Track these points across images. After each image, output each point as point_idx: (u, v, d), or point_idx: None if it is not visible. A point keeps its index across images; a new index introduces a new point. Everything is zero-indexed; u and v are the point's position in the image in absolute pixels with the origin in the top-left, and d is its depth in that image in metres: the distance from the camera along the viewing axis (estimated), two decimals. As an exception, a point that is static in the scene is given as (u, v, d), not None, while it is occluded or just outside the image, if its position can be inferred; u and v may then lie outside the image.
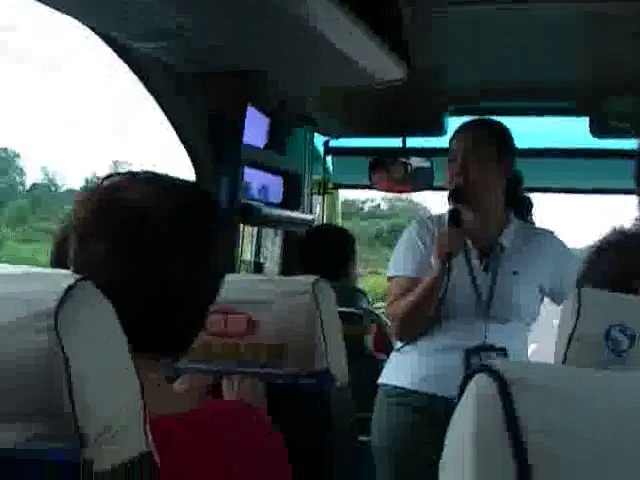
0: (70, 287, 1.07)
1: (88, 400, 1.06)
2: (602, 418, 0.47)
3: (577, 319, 1.22)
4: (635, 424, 0.47)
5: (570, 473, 0.45)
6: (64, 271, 1.25)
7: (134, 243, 1.31)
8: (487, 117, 3.26)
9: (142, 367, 1.16)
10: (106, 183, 1.39)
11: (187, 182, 1.50)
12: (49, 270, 1.34)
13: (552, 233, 3.17)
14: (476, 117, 3.25)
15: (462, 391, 0.50)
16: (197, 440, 1.30)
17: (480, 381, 0.49)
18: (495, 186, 3.07)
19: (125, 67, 2.92)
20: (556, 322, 1.37)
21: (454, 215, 2.99)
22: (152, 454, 1.15)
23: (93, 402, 1.07)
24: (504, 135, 3.11)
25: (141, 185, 1.38)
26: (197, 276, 1.38)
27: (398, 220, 38.60)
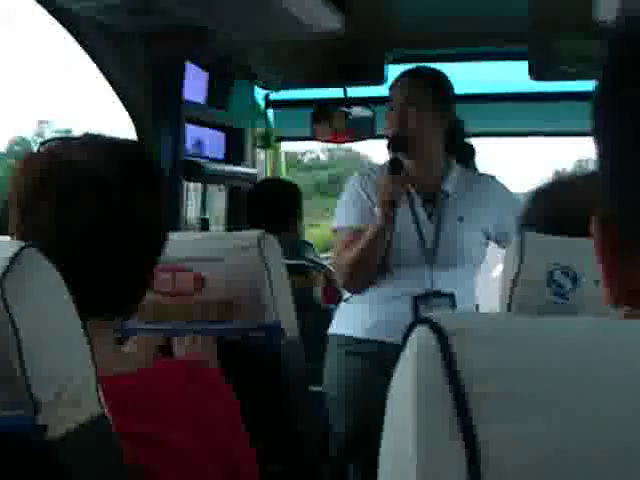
0: (15, 254, 1.06)
1: (39, 366, 1.06)
2: (540, 361, 0.48)
3: (520, 264, 1.24)
4: (573, 364, 0.48)
5: (510, 414, 0.47)
6: (9, 239, 1.24)
7: (85, 203, 1.31)
8: (426, 64, 3.27)
9: (91, 329, 1.17)
10: (45, 149, 1.38)
11: (128, 141, 1.50)
12: None
13: (494, 178, 3.19)
14: (415, 65, 3.25)
15: (404, 343, 0.51)
16: (146, 399, 1.31)
17: (420, 333, 0.50)
18: (434, 134, 3.07)
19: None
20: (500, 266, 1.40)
21: (394, 164, 2.99)
22: (105, 416, 1.16)
23: (44, 368, 1.07)
24: (442, 83, 3.11)
25: (84, 148, 1.37)
26: (145, 233, 1.38)
27: (337, 170, 38.51)
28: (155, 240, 1.44)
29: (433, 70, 3.15)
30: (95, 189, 1.32)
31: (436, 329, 0.48)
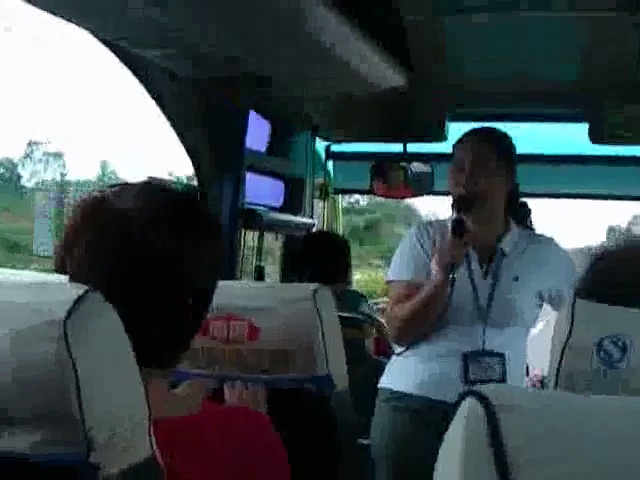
0: (79, 297, 1.10)
1: (96, 406, 1.09)
2: (581, 439, 0.49)
3: (570, 330, 1.25)
4: (615, 447, 0.49)
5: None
6: (73, 283, 1.27)
7: (115, 243, 1.33)
8: (487, 124, 3.29)
9: (145, 373, 1.19)
10: (98, 192, 1.42)
11: (184, 188, 1.52)
12: (61, 280, 1.36)
13: (552, 240, 3.19)
14: (478, 124, 3.27)
15: (454, 412, 0.53)
16: (195, 442, 1.33)
17: (469, 404, 0.52)
18: (500, 195, 3.08)
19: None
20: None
21: (458, 225, 2.99)
22: (156, 458, 1.18)
23: (100, 408, 1.10)
24: (508, 144, 3.13)
25: (128, 191, 1.40)
26: (185, 276, 1.39)
27: (374, 216, 38.09)
28: (199, 287, 1.44)
29: (499, 131, 3.16)
30: (123, 228, 1.34)
31: (484, 401, 0.50)
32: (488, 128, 3.21)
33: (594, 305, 1.28)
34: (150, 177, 3.17)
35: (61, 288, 1.16)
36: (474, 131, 3.16)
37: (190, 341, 1.48)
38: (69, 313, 1.08)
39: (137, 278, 1.33)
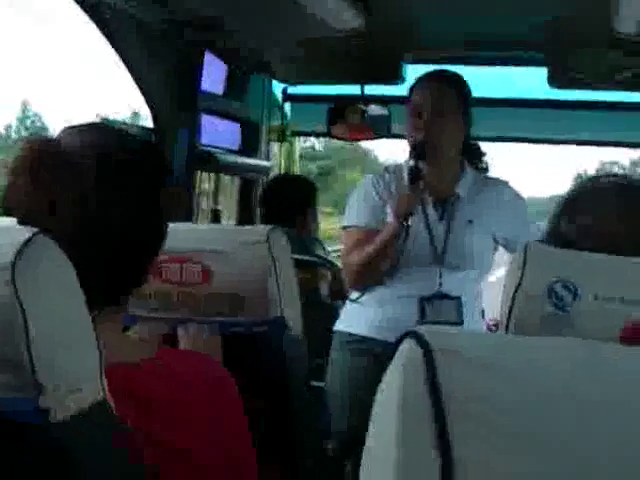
0: (27, 240, 1.08)
1: (44, 351, 1.08)
2: (525, 385, 0.49)
3: (522, 274, 1.26)
4: (557, 391, 0.49)
5: (489, 439, 0.48)
6: (20, 226, 1.25)
7: (56, 175, 1.31)
8: (443, 67, 3.27)
9: (97, 315, 1.18)
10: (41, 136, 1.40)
11: (118, 128, 1.49)
12: (6, 224, 1.34)
13: (507, 183, 3.20)
14: (436, 67, 3.25)
15: (394, 352, 0.52)
16: (146, 393, 1.32)
17: (407, 346, 0.51)
18: (458, 140, 3.08)
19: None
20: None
21: (414, 173, 2.98)
22: (107, 402, 1.17)
23: (49, 353, 1.08)
24: (465, 88, 3.11)
25: (71, 132, 1.38)
26: (129, 215, 1.36)
27: (327, 162, 37.72)
28: (144, 231, 1.42)
29: (455, 74, 3.14)
30: (70, 173, 1.32)
31: (424, 344, 0.50)
32: (443, 71, 3.19)
33: (546, 249, 1.28)
34: (104, 119, 3.13)
35: (8, 231, 1.14)
36: (431, 74, 3.14)
37: (142, 277, 1.45)
38: (16, 256, 1.07)
39: (83, 219, 1.31)
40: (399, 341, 0.52)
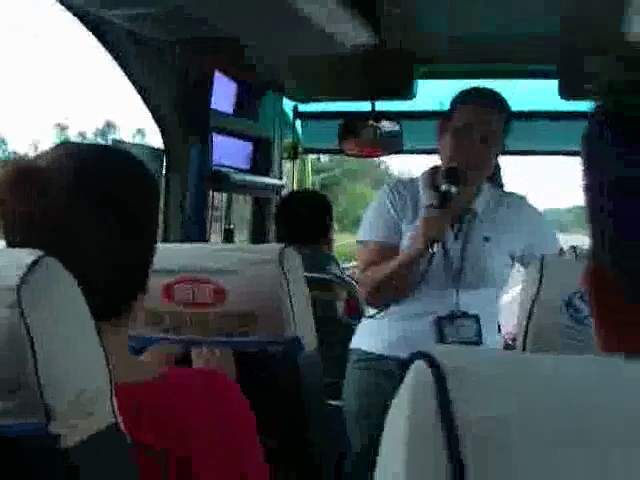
0: (33, 262, 1.07)
1: (53, 374, 1.06)
2: (539, 405, 0.47)
3: (539, 286, 1.23)
4: (571, 409, 0.47)
5: (503, 461, 0.46)
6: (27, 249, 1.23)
7: (38, 193, 1.29)
8: (455, 80, 3.24)
9: (104, 335, 1.16)
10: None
11: (100, 146, 1.48)
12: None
13: (524, 199, 3.15)
14: (446, 82, 3.20)
15: (404, 371, 0.50)
16: (155, 411, 1.31)
17: (418, 367, 0.49)
18: (493, 163, 3.03)
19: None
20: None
21: (446, 197, 2.88)
22: (119, 425, 1.15)
23: (59, 376, 1.07)
24: (509, 111, 3.00)
25: (51, 153, 1.36)
26: (108, 228, 1.34)
27: (332, 174, 37.18)
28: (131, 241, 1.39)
29: (500, 96, 3.00)
30: (45, 185, 1.30)
31: (434, 364, 0.48)
32: (492, 91, 3.02)
33: (563, 261, 1.26)
34: (114, 140, 3.13)
35: (13, 254, 1.13)
36: (479, 94, 3.00)
37: (138, 288, 1.42)
38: (23, 279, 1.05)
39: (68, 232, 1.30)
40: (409, 361, 0.50)
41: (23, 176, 1.31)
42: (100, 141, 51.46)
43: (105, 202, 1.33)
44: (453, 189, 2.87)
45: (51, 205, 1.28)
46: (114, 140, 3.03)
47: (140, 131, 53.10)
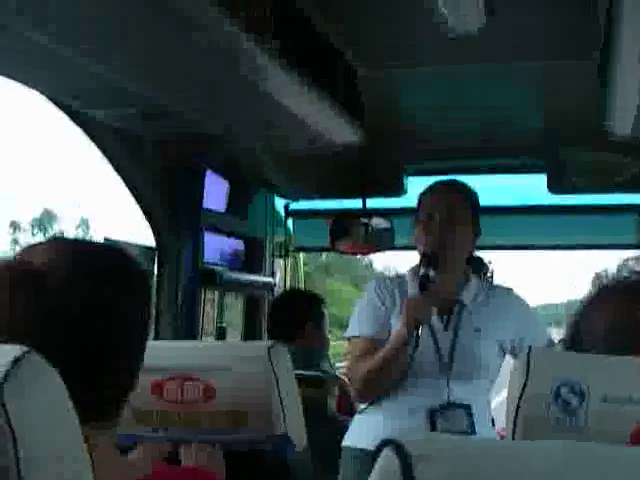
0: (17, 359, 1.06)
1: (36, 477, 1.04)
2: None
3: (526, 378, 1.23)
4: None
5: None
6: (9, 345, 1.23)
7: (30, 297, 1.29)
8: (445, 177, 3.28)
9: (90, 436, 1.15)
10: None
11: (95, 243, 1.48)
12: None
13: (511, 291, 3.19)
14: (437, 178, 3.25)
15: (373, 463, 0.50)
16: None
17: (385, 456, 0.49)
18: (468, 249, 3.10)
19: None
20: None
21: (426, 281, 2.95)
22: None
23: (41, 478, 1.05)
24: (475, 197, 3.13)
25: (43, 247, 1.36)
26: (101, 330, 1.33)
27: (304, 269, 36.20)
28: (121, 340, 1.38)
29: (465, 185, 3.16)
30: (37, 282, 1.29)
31: (401, 452, 0.47)
32: (452, 181, 3.20)
33: (549, 352, 1.26)
34: (106, 239, 3.14)
35: (-5, 350, 1.12)
36: (443, 183, 3.16)
37: (129, 389, 1.41)
38: (6, 375, 1.04)
39: (58, 334, 1.29)
40: (378, 449, 0.50)
41: (17, 278, 1.31)
42: (38, 232, 50.64)
43: (93, 304, 1.32)
44: (431, 272, 2.96)
45: (49, 304, 1.28)
46: (105, 239, 3.03)
47: (84, 221, 52.58)
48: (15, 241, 50.11)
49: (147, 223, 3.34)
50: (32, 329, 1.27)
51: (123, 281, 1.39)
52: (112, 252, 1.44)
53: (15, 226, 50.73)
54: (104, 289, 1.34)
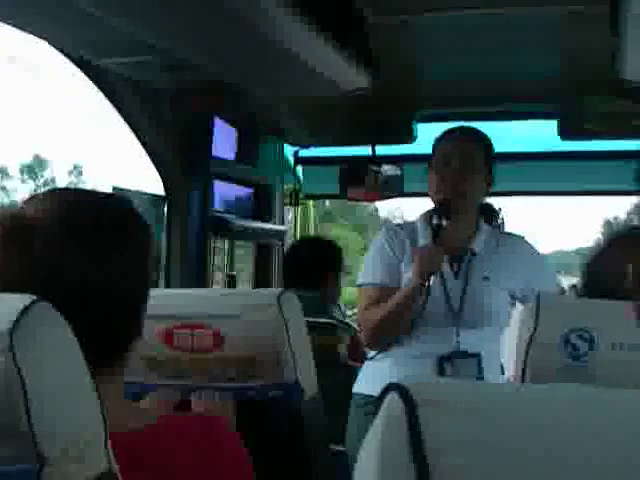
0: (25, 308, 1.06)
1: (46, 420, 1.05)
2: (508, 433, 0.47)
3: (535, 325, 1.22)
4: (541, 437, 0.47)
5: None
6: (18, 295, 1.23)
7: (23, 249, 1.28)
8: (456, 123, 3.25)
9: (101, 383, 1.15)
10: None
11: (96, 194, 1.46)
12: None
13: (523, 238, 3.17)
14: (447, 125, 3.23)
15: (378, 406, 0.50)
16: (153, 457, 1.29)
17: (390, 400, 0.49)
18: (480, 195, 3.07)
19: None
20: None
21: (438, 231, 2.94)
22: (114, 472, 1.14)
23: (52, 422, 1.06)
24: (491, 146, 3.09)
25: (39, 199, 1.36)
26: (99, 277, 1.32)
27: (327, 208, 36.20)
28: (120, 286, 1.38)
29: (481, 132, 3.11)
30: (30, 234, 1.29)
31: (406, 396, 0.47)
32: (468, 128, 3.17)
33: (559, 298, 1.25)
34: (114, 187, 3.13)
35: (5, 298, 1.12)
36: (458, 130, 3.13)
37: (131, 335, 1.41)
38: (15, 323, 1.04)
39: (54, 287, 1.28)
40: (383, 393, 0.50)
41: (8, 231, 1.31)
42: (27, 179, 49.82)
43: (96, 249, 1.32)
44: (444, 222, 2.94)
45: (39, 257, 1.28)
46: (114, 187, 3.03)
47: (76, 167, 51.51)
48: (2, 188, 49.10)
49: (141, 168, 3.33)
50: (27, 280, 1.27)
51: (119, 234, 1.38)
52: (110, 204, 1.42)
53: (2, 172, 49.55)
54: (97, 242, 1.34)
